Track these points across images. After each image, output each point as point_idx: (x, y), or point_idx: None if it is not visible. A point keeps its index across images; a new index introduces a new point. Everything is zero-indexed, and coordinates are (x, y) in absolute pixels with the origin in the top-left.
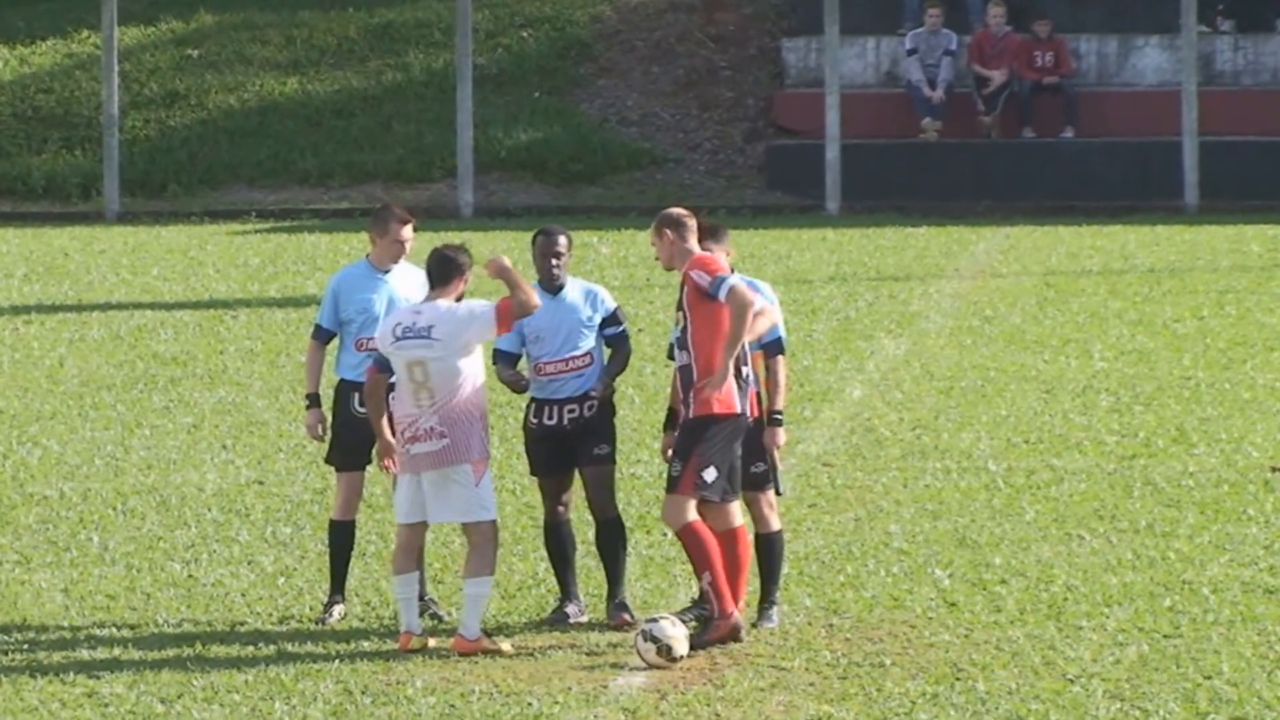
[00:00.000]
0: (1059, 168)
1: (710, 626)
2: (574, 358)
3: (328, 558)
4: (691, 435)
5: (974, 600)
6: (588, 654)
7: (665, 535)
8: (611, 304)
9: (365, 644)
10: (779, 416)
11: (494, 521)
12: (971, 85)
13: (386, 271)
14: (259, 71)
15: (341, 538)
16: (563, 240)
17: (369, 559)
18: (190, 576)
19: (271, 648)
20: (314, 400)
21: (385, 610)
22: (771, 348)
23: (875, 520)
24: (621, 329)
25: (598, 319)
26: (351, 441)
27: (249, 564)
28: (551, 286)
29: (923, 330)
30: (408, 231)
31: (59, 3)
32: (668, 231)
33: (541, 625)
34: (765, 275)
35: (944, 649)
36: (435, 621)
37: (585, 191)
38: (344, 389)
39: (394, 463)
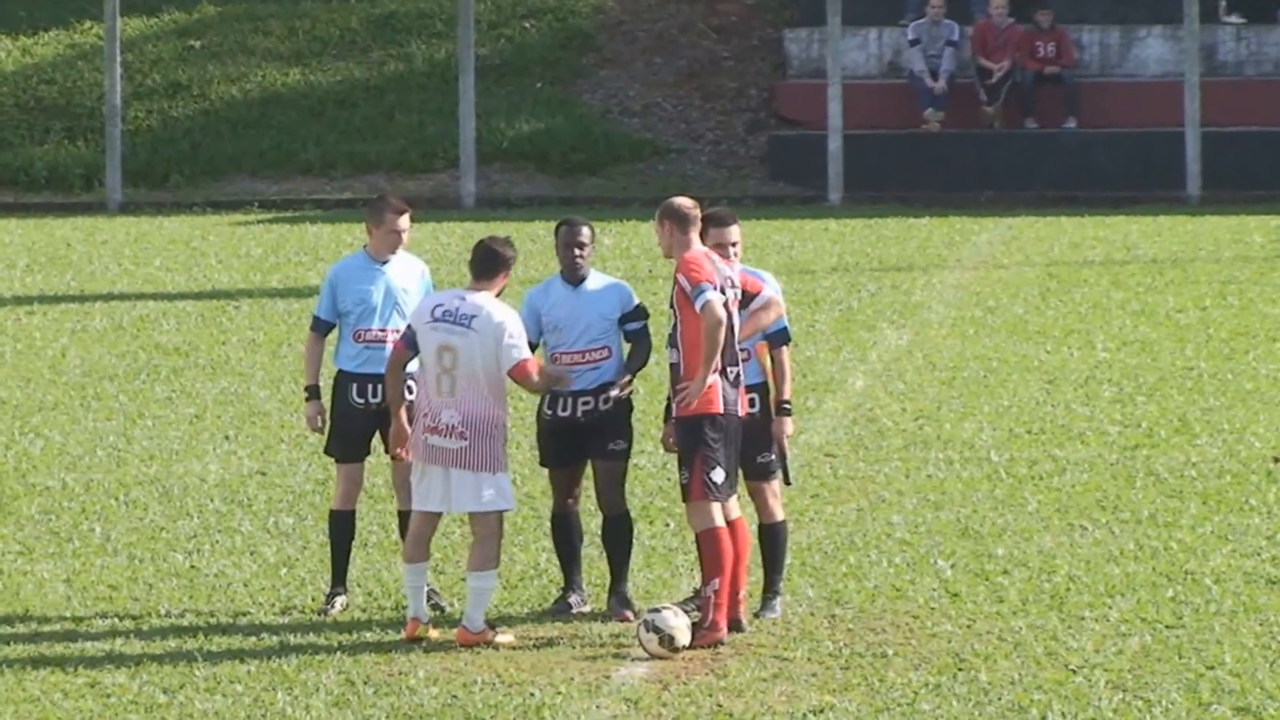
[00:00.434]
0: (1061, 158)
1: (698, 632)
2: (591, 350)
3: (328, 549)
4: (688, 438)
5: (976, 591)
6: (590, 644)
7: (668, 525)
8: (634, 300)
9: (367, 634)
10: (787, 406)
11: (502, 515)
12: (974, 76)
13: (384, 262)
14: (261, 62)
15: (341, 528)
16: (585, 231)
17: (370, 549)
18: (192, 567)
19: (274, 638)
20: (313, 392)
21: (387, 601)
22: (776, 338)
23: (878, 510)
24: (643, 325)
25: (619, 313)
26: (350, 432)
27: (251, 554)
28: (573, 277)
29: (925, 321)
30: (404, 221)
31: None
32: (667, 223)
33: (544, 616)
34: (768, 266)
35: (946, 639)
36: (437, 612)
37: (587, 182)
38: (342, 380)
39: (406, 451)
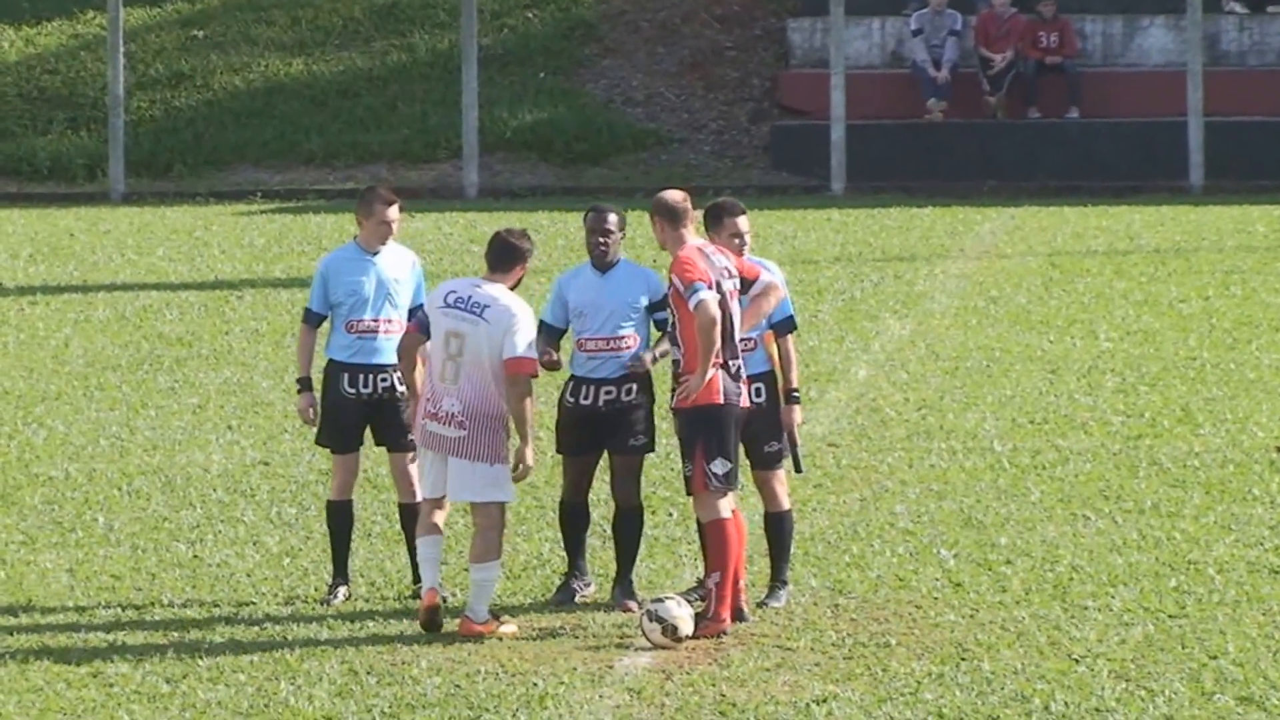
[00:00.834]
0: (1064, 148)
1: (700, 623)
2: (616, 339)
3: (328, 539)
4: (689, 431)
5: (979, 580)
6: (593, 634)
7: (670, 516)
8: (665, 289)
9: (370, 624)
10: (796, 394)
11: (503, 505)
12: (977, 66)
13: (375, 253)
14: (264, 52)
15: (339, 518)
16: (613, 218)
17: (374, 539)
18: (195, 557)
19: (276, 628)
20: (305, 384)
21: (390, 590)
22: (781, 327)
23: (881, 500)
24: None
25: (646, 302)
26: (343, 423)
27: (254, 544)
28: (601, 264)
29: (928, 311)
30: (394, 212)
31: None
32: (659, 219)
33: (546, 606)
34: (771, 255)
35: (949, 629)
36: (441, 602)
37: (590, 172)
38: (334, 370)
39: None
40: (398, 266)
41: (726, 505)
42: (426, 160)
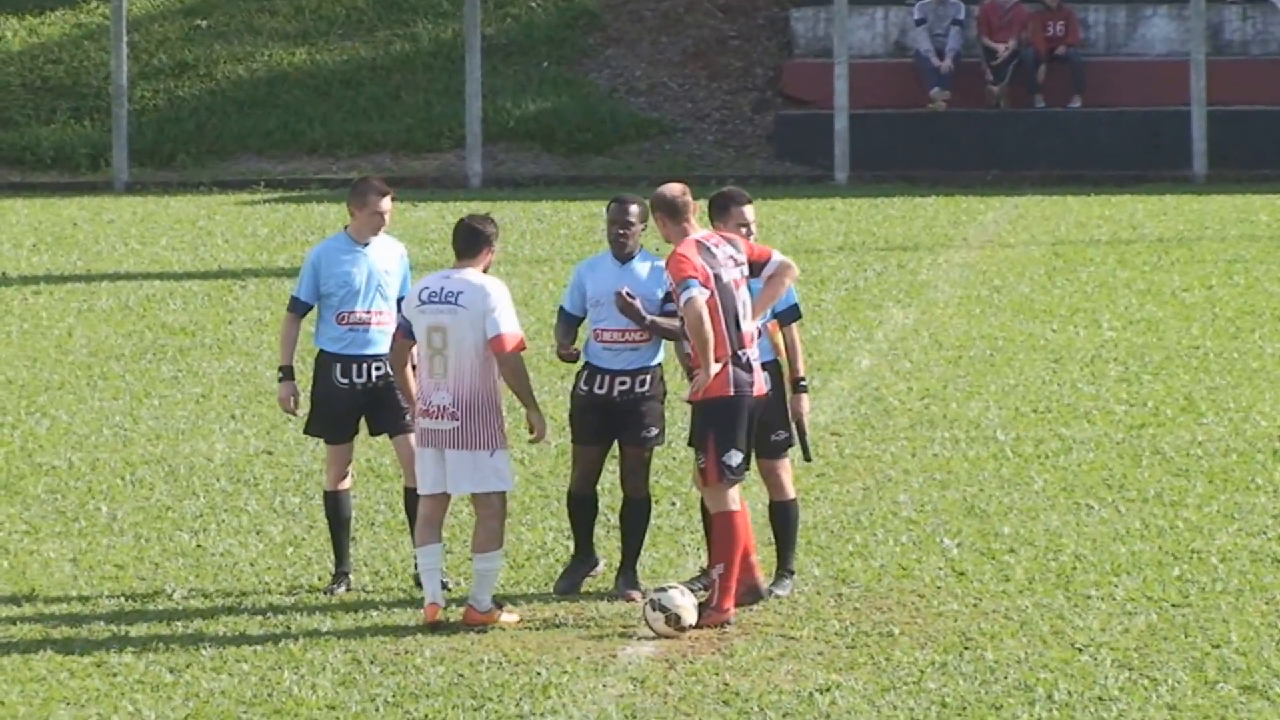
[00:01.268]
0: (1067, 137)
1: (704, 613)
2: (631, 330)
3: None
4: (701, 423)
5: (982, 569)
6: (596, 624)
7: (673, 505)
8: None
9: (374, 614)
10: (804, 383)
11: (504, 495)
12: (980, 55)
13: (365, 244)
14: (268, 42)
15: (335, 508)
16: (634, 210)
17: (378, 528)
18: (199, 546)
19: (280, 617)
20: (288, 373)
21: (393, 580)
22: (786, 315)
23: (884, 490)
24: None
25: (661, 294)
26: (335, 413)
27: (257, 534)
28: (620, 255)
29: (931, 300)
30: (386, 203)
31: None
32: (659, 214)
33: (551, 593)
34: (774, 245)
35: (953, 618)
36: (444, 590)
37: (594, 161)
38: (325, 361)
39: None
40: (387, 258)
41: (736, 497)
42: (430, 150)
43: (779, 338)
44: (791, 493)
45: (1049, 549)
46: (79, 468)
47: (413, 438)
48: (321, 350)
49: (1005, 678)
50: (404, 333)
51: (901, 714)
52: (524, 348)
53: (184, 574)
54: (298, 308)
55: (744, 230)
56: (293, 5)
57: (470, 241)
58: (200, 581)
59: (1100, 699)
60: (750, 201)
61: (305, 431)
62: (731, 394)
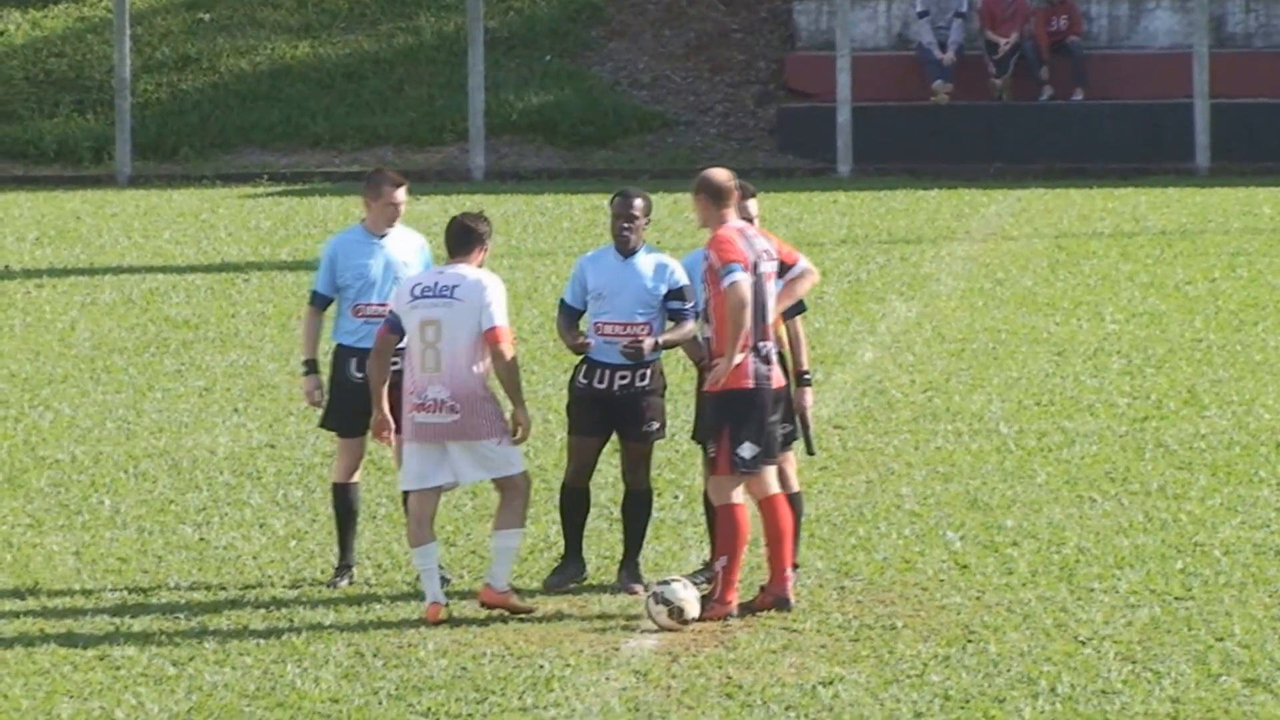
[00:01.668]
0: (1070, 130)
1: (707, 605)
2: (632, 324)
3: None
4: (714, 414)
5: (985, 562)
6: (599, 617)
7: (676, 498)
8: (681, 280)
9: (377, 607)
10: (808, 377)
11: (524, 473)
12: (982, 48)
13: (382, 236)
14: (270, 35)
15: (343, 501)
16: (638, 204)
17: (379, 521)
18: (202, 540)
19: (283, 611)
20: (312, 366)
21: (396, 573)
22: (790, 309)
23: (886, 483)
24: (686, 307)
25: (664, 290)
26: (349, 407)
27: (260, 527)
28: (623, 249)
29: (934, 293)
30: (401, 194)
31: None
32: (703, 196)
33: (543, 588)
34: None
35: (956, 611)
36: (444, 584)
37: (596, 154)
38: (341, 354)
39: (389, 437)
40: (406, 249)
41: (740, 491)
42: (433, 143)
43: (783, 331)
44: (796, 485)
45: (1052, 542)
46: (82, 461)
47: None
48: (338, 345)
49: (1008, 670)
50: (390, 328)
51: (904, 707)
52: (515, 340)
53: (187, 567)
54: (318, 301)
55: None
56: None
57: (463, 239)
58: (203, 575)
59: (1103, 692)
60: (754, 194)
61: (320, 425)
62: (751, 386)
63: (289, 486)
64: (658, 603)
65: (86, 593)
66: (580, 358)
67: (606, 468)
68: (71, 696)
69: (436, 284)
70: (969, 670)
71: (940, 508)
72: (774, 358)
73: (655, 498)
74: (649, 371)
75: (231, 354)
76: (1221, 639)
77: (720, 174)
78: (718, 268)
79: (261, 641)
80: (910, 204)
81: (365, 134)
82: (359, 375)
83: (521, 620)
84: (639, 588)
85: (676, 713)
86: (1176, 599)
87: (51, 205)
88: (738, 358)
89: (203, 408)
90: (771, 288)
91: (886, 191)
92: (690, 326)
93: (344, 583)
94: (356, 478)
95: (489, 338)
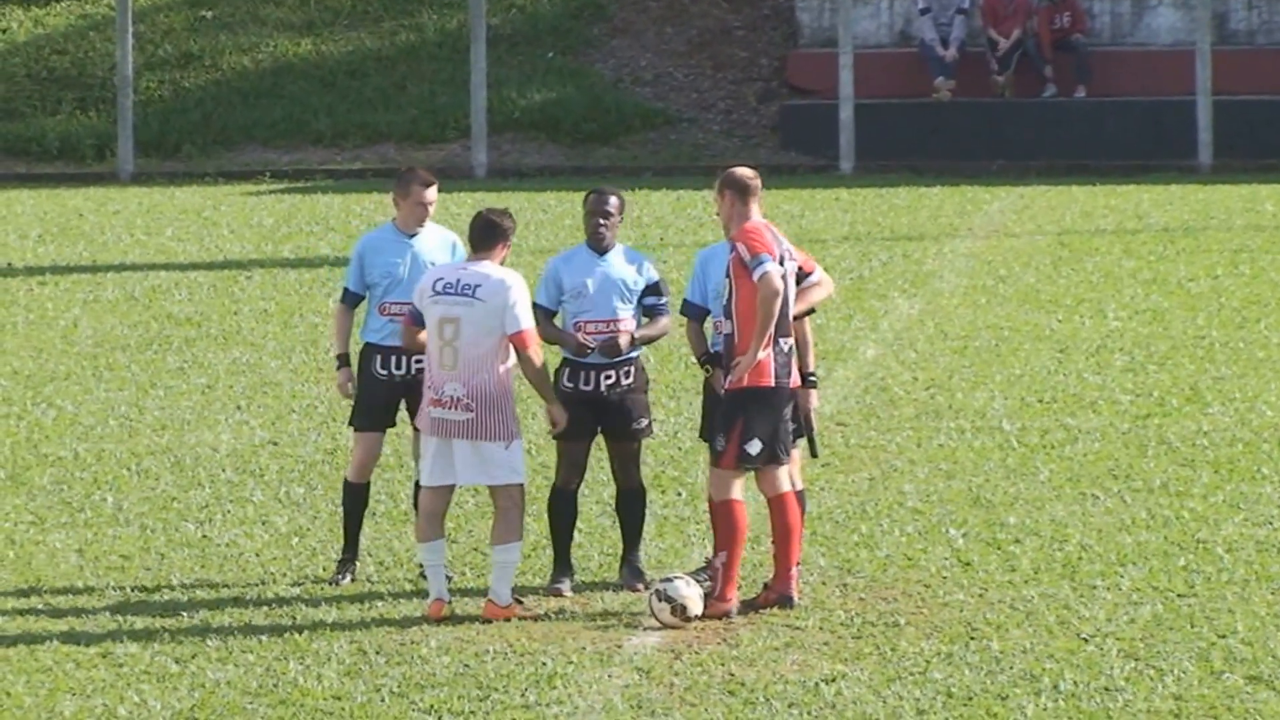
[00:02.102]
0: (1072, 127)
1: (708, 602)
2: (613, 321)
3: (341, 519)
4: (730, 409)
5: (988, 559)
6: (602, 614)
7: (679, 495)
8: (655, 275)
9: (379, 604)
10: (813, 378)
11: (522, 486)
12: (984, 44)
13: (412, 235)
14: (273, 32)
15: (355, 499)
16: (613, 201)
17: (380, 518)
18: (204, 537)
19: (285, 608)
20: (343, 360)
21: (399, 570)
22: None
23: (889, 480)
24: (662, 301)
25: (641, 285)
26: (372, 403)
27: (263, 524)
28: (598, 246)
29: (936, 290)
30: (431, 193)
31: None
32: (728, 192)
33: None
34: None
35: (958, 608)
36: (446, 581)
37: (599, 152)
38: (367, 352)
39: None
40: (437, 248)
41: (739, 487)
42: (435, 140)
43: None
44: (800, 483)
45: (1054, 539)
46: (85, 458)
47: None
48: (366, 342)
49: (1011, 668)
50: (413, 320)
51: (907, 704)
52: (540, 343)
53: (189, 565)
54: (348, 298)
55: None
56: None
57: (487, 234)
58: (205, 572)
59: (1106, 689)
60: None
61: (349, 423)
62: (772, 385)
63: (291, 484)
64: (660, 600)
65: (89, 590)
66: (560, 361)
67: (597, 469)
68: (74, 694)
69: (459, 281)
70: (971, 667)
71: (943, 505)
72: (793, 355)
73: (659, 495)
74: (632, 369)
75: (234, 351)
76: (1224, 636)
77: (746, 170)
78: (747, 260)
79: (264, 639)
80: (912, 201)
81: (367, 131)
82: (383, 373)
83: (525, 618)
84: (641, 584)
85: (679, 710)
86: (1179, 596)
87: (54, 202)
88: (762, 353)
89: (205, 405)
90: (792, 286)
91: (889, 188)
92: (665, 322)
93: (346, 580)
94: (370, 478)
95: (516, 342)
